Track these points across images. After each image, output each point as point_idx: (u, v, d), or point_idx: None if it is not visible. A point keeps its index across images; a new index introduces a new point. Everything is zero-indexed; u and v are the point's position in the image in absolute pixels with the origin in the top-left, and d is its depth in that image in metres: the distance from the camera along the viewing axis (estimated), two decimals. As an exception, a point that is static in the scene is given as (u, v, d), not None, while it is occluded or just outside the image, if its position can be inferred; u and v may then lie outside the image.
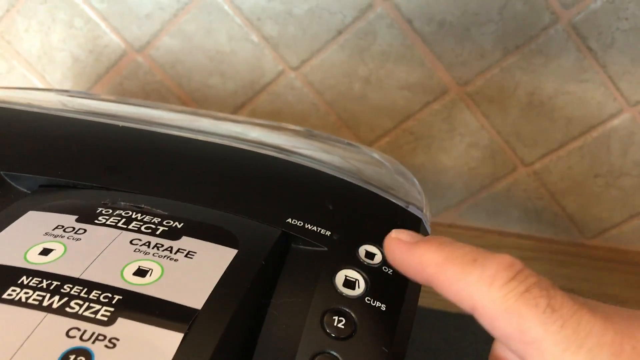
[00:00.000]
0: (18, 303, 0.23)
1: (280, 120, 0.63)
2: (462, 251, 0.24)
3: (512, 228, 0.68)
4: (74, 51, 0.62)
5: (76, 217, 0.28)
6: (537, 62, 0.57)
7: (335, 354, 0.25)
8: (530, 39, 0.56)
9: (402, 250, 0.25)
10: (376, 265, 0.29)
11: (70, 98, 0.43)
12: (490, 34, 0.56)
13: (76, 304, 0.23)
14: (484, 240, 0.66)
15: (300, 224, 0.29)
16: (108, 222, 0.27)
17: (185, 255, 0.26)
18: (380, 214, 0.32)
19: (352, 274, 0.28)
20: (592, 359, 0.20)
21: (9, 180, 0.31)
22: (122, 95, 0.64)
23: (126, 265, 0.25)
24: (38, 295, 0.23)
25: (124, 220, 0.28)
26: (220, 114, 0.45)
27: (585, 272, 0.64)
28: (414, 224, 0.32)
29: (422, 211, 0.34)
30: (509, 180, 0.64)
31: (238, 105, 0.63)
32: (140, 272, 0.25)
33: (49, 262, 0.25)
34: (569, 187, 0.64)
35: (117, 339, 0.22)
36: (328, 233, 0.29)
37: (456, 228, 0.68)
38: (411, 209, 0.33)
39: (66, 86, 0.64)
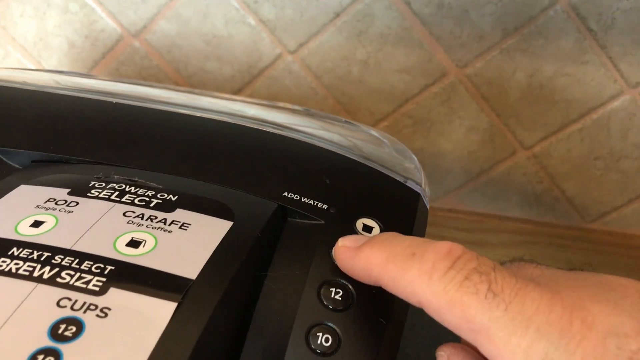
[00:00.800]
0: (8, 274, 0.22)
1: (278, 104, 0.63)
2: (402, 246, 0.23)
3: (512, 212, 0.67)
4: (70, 36, 0.61)
5: (68, 190, 0.27)
6: (537, 44, 0.56)
7: (332, 325, 0.24)
8: (529, 20, 0.55)
9: (349, 257, 0.25)
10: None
11: (64, 77, 0.42)
12: (489, 15, 0.55)
13: (67, 274, 0.22)
14: (484, 225, 0.66)
15: (296, 197, 0.29)
16: (101, 195, 0.27)
17: (180, 227, 0.26)
18: (378, 188, 0.32)
19: None
20: (540, 337, 0.20)
21: (0, 156, 0.31)
22: (119, 80, 0.63)
23: (119, 237, 0.25)
24: (28, 266, 0.23)
25: (117, 193, 0.27)
26: (218, 94, 0.45)
27: (585, 255, 0.64)
28: (412, 198, 0.32)
29: (420, 186, 0.33)
30: (508, 163, 0.64)
31: (235, 89, 0.62)
32: (134, 243, 0.24)
33: (40, 234, 0.24)
34: (568, 170, 0.63)
35: (109, 309, 0.21)
36: (325, 206, 0.29)
37: (456, 213, 0.67)
38: (409, 184, 0.33)
39: (62, 72, 0.64)
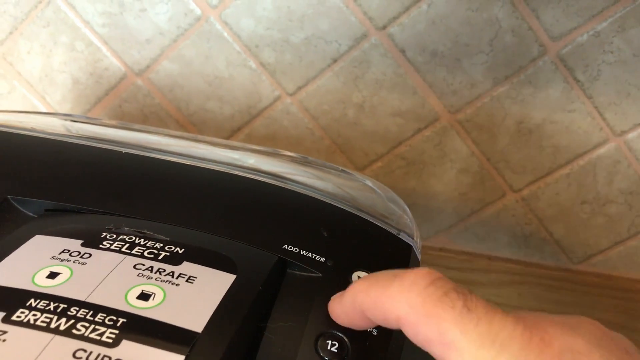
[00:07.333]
0: (27, 325, 0.24)
1: (275, 144, 0.64)
2: (385, 273, 0.26)
3: (501, 252, 0.69)
4: (75, 73, 0.63)
5: (82, 241, 0.29)
6: (526, 92, 0.59)
7: (328, 376, 0.26)
8: (519, 69, 0.57)
9: (338, 299, 0.28)
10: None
11: (73, 123, 0.44)
12: (480, 64, 0.58)
13: (82, 326, 0.24)
14: (473, 264, 0.68)
15: (296, 250, 0.31)
16: (112, 247, 0.29)
17: (186, 280, 0.27)
18: (372, 241, 0.34)
19: None
20: (503, 351, 0.21)
21: (15, 204, 0.32)
22: (121, 117, 0.65)
23: (130, 289, 0.26)
24: (46, 317, 0.24)
25: (127, 245, 0.29)
26: (219, 140, 0.46)
27: (572, 296, 0.65)
28: (404, 250, 0.34)
29: (412, 238, 0.35)
30: (498, 205, 0.66)
31: (235, 129, 0.64)
32: (144, 296, 0.26)
33: (56, 286, 0.26)
34: (556, 213, 0.65)
35: (122, 361, 0.23)
36: (323, 259, 0.31)
37: (446, 252, 0.69)
38: (402, 236, 0.35)
39: (66, 108, 0.66)
